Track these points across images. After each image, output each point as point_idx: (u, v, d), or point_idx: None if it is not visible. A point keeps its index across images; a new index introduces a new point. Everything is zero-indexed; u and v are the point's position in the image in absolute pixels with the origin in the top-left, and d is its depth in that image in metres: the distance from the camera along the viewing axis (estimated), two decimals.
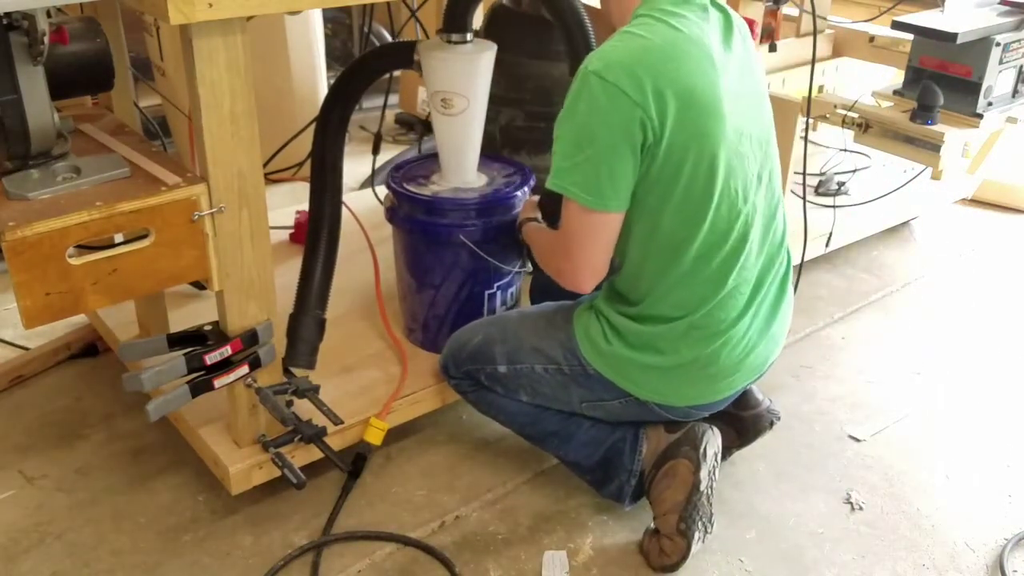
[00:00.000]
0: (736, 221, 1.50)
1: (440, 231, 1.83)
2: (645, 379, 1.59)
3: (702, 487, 1.61)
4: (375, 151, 2.43)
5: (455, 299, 1.89)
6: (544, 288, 1.96)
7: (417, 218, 1.85)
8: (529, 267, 1.97)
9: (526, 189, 1.90)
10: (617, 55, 1.40)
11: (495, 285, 1.90)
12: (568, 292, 1.77)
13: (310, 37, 3.16)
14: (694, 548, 1.61)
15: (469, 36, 1.78)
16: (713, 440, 1.66)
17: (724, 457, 1.83)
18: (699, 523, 1.61)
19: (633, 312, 1.57)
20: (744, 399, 1.78)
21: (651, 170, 1.43)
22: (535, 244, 1.70)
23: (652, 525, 1.67)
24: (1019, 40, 2.45)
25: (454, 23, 1.77)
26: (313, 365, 1.74)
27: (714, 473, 1.65)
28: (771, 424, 1.81)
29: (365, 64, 1.90)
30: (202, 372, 1.53)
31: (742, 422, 1.81)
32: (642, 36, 1.42)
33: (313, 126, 1.85)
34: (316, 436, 1.62)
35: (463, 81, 1.77)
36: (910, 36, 2.53)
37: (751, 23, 2.00)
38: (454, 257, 1.85)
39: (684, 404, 1.62)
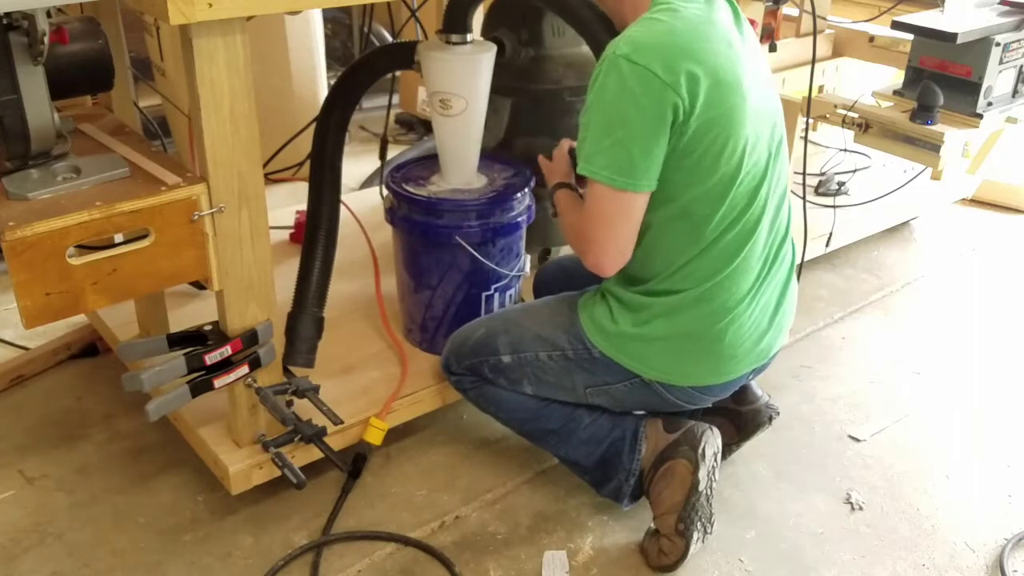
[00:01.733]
0: (753, 199, 1.52)
1: (437, 232, 1.83)
2: (651, 356, 1.58)
3: (701, 487, 1.61)
4: (382, 156, 2.41)
5: (452, 300, 1.89)
6: (548, 284, 1.96)
7: (415, 219, 1.84)
8: (528, 269, 1.97)
9: (526, 191, 1.90)
10: (645, 38, 1.42)
11: (492, 287, 1.90)
12: (573, 284, 1.78)
13: (310, 37, 3.16)
14: (693, 548, 1.61)
15: (469, 37, 1.78)
16: (712, 440, 1.66)
17: (724, 455, 1.82)
18: (698, 523, 1.61)
19: (644, 288, 1.58)
20: (743, 394, 1.79)
21: (678, 147, 1.44)
22: (564, 217, 1.66)
23: (652, 525, 1.67)
24: (1019, 40, 2.45)
25: (453, 24, 1.77)
26: (312, 364, 1.74)
27: (713, 474, 1.65)
28: (770, 419, 1.81)
29: (366, 64, 1.90)
30: (202, 372, 1.53)
31: (741, 417, 1.81)
32: (665, 21, 1.44)
33: (313, 126, 1.85)
34: (316, 436, 1.62)
35: (462, 82, 1.77)
36: (910, 36, 2.52)
37: (751, 23, 2.00)
38: (451, 258, 1.85)
39: (689, 384, 1.62)
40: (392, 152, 3.33)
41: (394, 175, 1.92)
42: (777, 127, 1.60)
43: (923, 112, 2.41)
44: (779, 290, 1.63)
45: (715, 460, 1.66)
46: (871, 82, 2.90)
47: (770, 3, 2.60)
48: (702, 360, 1.59)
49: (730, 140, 1.46)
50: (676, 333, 1.56)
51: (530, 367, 1.68)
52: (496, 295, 1.91)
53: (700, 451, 1.63)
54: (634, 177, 1.43)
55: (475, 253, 1.81)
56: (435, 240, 1.84)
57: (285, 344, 1.71)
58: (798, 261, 2.35)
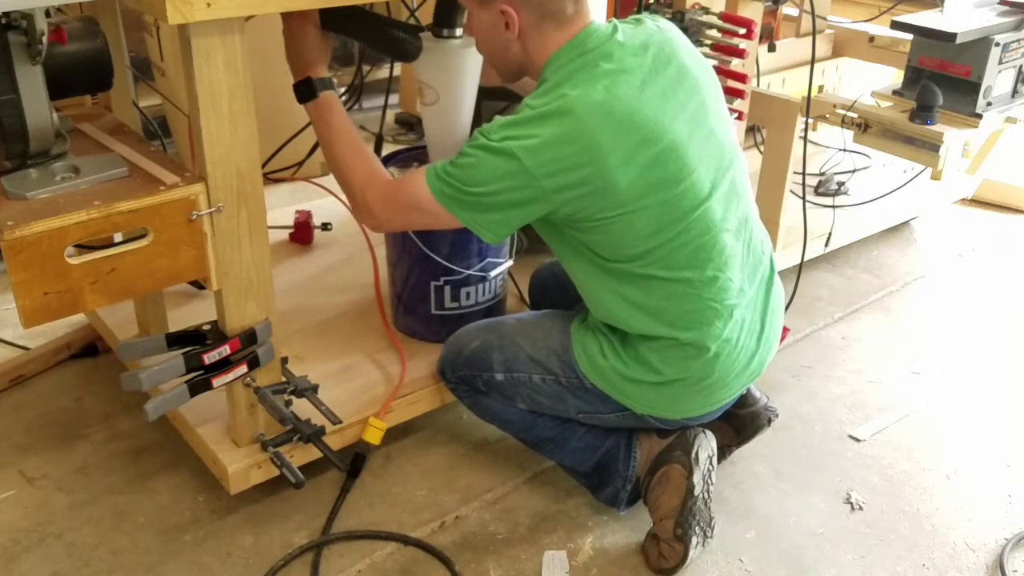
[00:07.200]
0: (705, 236, 1.48)
1: None
2: (641, 395, 1.59)
3: (696, 491, 1.61)
4: (376, 152, 2.42)
5: (406, 282, 1.95)
6: (543, 287, 1.96)
7: None
8: (493, 272, 1.95)
9: None
10: (535, 141, 1.37)
11: (442, 279, 1.91)
12: (568, 293, 1.77)
13: None
14: (692, 553, 1.60)
15: (458, 32, 1.79)
16: (706, 444, 1.65)
17: (723, 456, 1.83)
18: (696, 528, 1.60)
19: (623, 335, 1.57)
20: (742, 397, 1.78)
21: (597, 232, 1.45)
22: (335, 143, 1.62)
23: (652, 529, 1.67)
24: (1018, 40, 2.45)
25: (439, 18, 1.78)
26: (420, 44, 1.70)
27: (709, 477, 1.65)
28: (769, 421, 1.80)
29: None
30: (201, 371, 1.53)
31: (740, 420, 1.80)
32: (560, 115, 1.37)
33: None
34: (315, 435, 1.62)
35: (436, 74, 1.78)
36: (910, 36, 2.52)
37: (750, 23, 1.99)
38: (403, 240, 1.90)
39: (682, 417, 1.63)
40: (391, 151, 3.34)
41: (398, 154, 1.99)
42: (727, 161, 1.51)
43: (923, 112, 2.40)
44: (761, 308, 1.61)
45: (710, 464, 1.65)
46: (871, 82, 2.90)
47: (770, 3, 2.60)
48: (694, 396, 1.59)
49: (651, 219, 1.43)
50: (664, 380, 1.56)
51: (523, 387, 1.67)
52: (448, 288, 1.92)
53: (694, 455, 1.62)
54: (473, 221, 1.45)
55: (416, 240, 1.83)
56: None
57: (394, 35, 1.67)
58: (797, 261, 2.37)
